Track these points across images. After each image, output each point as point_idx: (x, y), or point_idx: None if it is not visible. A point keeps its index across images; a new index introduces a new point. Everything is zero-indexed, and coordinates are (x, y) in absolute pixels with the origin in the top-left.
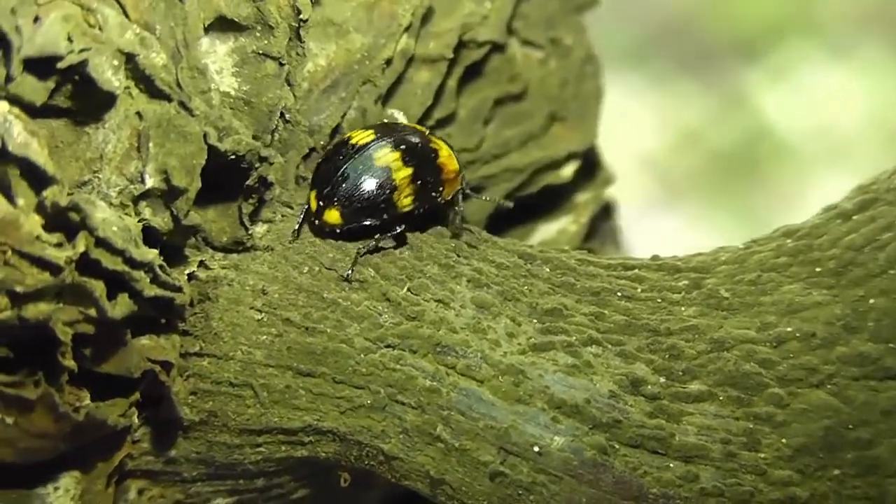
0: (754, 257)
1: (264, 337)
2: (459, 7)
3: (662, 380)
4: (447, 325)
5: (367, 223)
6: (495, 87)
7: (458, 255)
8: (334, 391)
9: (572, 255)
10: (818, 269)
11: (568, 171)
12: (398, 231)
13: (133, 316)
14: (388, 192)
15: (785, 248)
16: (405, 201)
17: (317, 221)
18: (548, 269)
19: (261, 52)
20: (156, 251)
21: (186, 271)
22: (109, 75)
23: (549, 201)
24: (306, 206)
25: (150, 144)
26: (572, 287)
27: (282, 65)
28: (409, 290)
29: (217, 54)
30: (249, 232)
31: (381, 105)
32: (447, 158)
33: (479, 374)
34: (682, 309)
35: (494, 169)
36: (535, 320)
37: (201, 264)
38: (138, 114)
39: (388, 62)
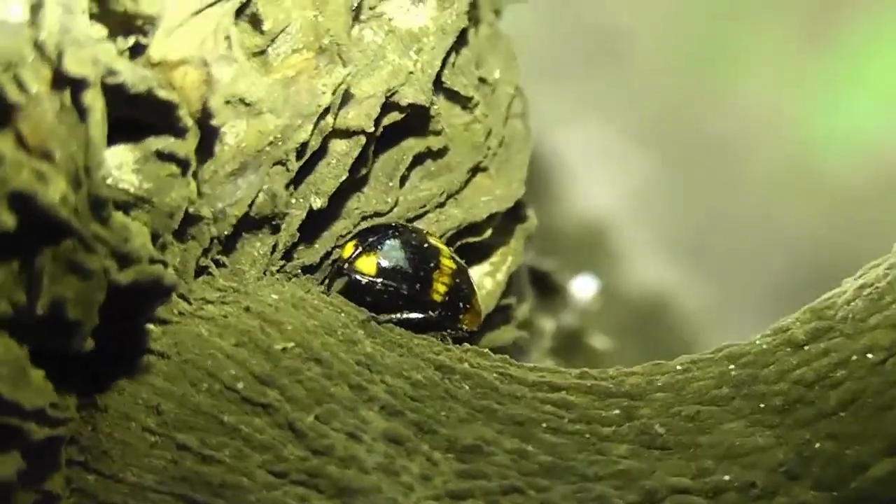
0: (693, 385)
1: (157, 461)
2: (383, 62)
3: None
4: (357, 463)
5: (396, 288)
6: (415, 144)
7: (371, 371)
8: None
9: (494, 365)
10: (762, 406)
11: (488, 233)
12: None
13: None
14: (431, 267)
15: (727, 378)
16: (440, 288)
17: (346, 266)
18: (467, 388)
19: (166, 152)
20: (45, 385)
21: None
22: (3, 218)
23: (464, 256)
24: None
25: (45, 279)
26: (494, 414)
27: (188, 167)
28: (316, 417)
29: (117, 147)
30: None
31: (294, 188)
32: (477, 296)
33: None
34: (613, 447)
35: None
36: (452, 458)
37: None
38: (32, 249)
39: (304, 144)
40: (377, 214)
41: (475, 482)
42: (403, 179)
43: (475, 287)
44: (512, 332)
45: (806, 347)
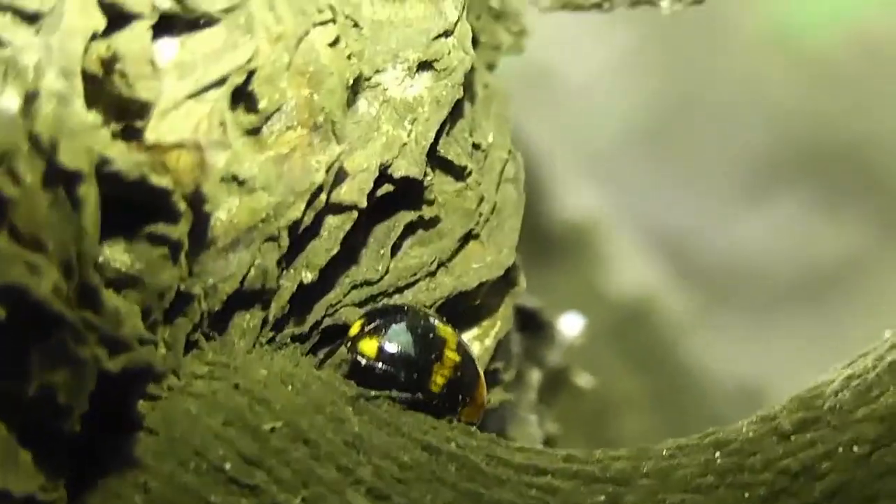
0: (678, 472)
1: None
2: (377, 134)
3: None
4: None
5: (395, 374)
6: (407, 214)
7: (358, 452)
8: None
9: (481, 445)
10: (747, 495)
11: (477, 301)
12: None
13: None
14: (433, 357)
15: (713, 466)
16: (439, 380)
17: (349, 344)
18: (454, 469)
19: (158, 234)
20: (34, 468)
21: None
22: None
23: (453, 321)
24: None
25: (35, 367)
26: (479, 498)
27: (179, 249)
28: (303, 500)
29: (109, 226)
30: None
31: (285, 263)
32: (483, 386)
33: None
34: None
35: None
36: None
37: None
38: (23, 339)
39: (297, 221)
40: (367, 283)
41: None
42: (395, 248)
43: (481, 379)
44: (499, 396)
45: (792, 437)
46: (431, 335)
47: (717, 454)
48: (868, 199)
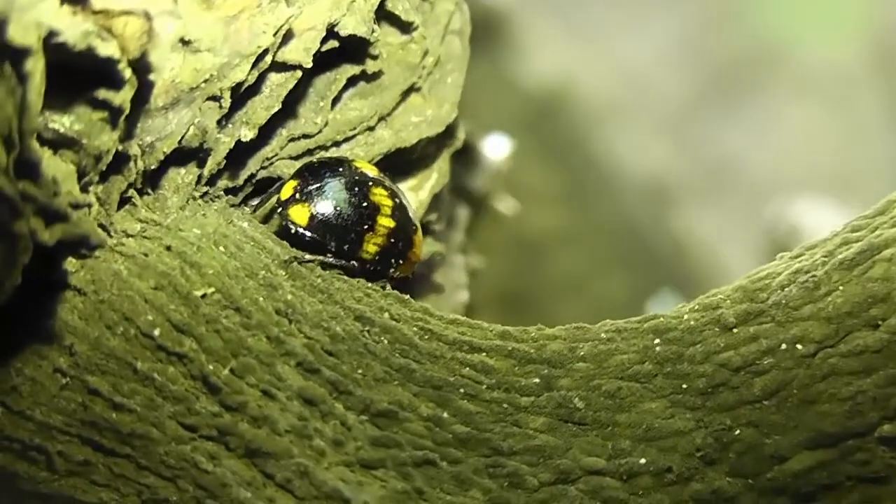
0: (616, 358)
1: (66, 403)
2: None
3: None
4: (270, 424)
5: (324, 243)
6: (350, 68)
7: (290, 321)
8: (137, 476)
9: (415, 316)
10: (685, 386)
11: (417, 154)
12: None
13: None
14: (364, 227)
15: (651, 353)
16: (371, 248)
17: (280, 210)
18: (386, 342)
19: (100, 98)
20: None
21: None
22: None
23: (390, 171)
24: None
25: None
26: (411, 375)
27: (120, 114)
28: (231, 370)
29: (51, 88)
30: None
31: (225, 122)
32: (419, 243)
33: (299, 491)
34: (530, 419)
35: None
36: (366, 421)
37: None
38: None
39: (240, 82)
40: (305, 136)
41: (388, 451)
42: (335, 101)
43: (417, 237)
44: (431, 247)
45: (735, 330)
46: (365, 203)
47: (657, 341)
48: None
